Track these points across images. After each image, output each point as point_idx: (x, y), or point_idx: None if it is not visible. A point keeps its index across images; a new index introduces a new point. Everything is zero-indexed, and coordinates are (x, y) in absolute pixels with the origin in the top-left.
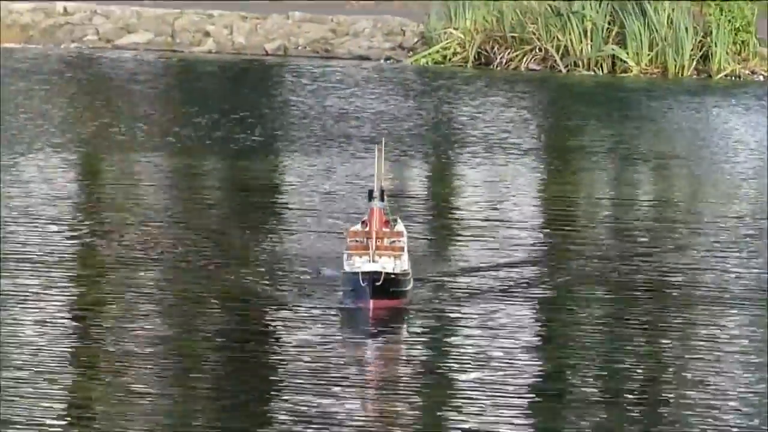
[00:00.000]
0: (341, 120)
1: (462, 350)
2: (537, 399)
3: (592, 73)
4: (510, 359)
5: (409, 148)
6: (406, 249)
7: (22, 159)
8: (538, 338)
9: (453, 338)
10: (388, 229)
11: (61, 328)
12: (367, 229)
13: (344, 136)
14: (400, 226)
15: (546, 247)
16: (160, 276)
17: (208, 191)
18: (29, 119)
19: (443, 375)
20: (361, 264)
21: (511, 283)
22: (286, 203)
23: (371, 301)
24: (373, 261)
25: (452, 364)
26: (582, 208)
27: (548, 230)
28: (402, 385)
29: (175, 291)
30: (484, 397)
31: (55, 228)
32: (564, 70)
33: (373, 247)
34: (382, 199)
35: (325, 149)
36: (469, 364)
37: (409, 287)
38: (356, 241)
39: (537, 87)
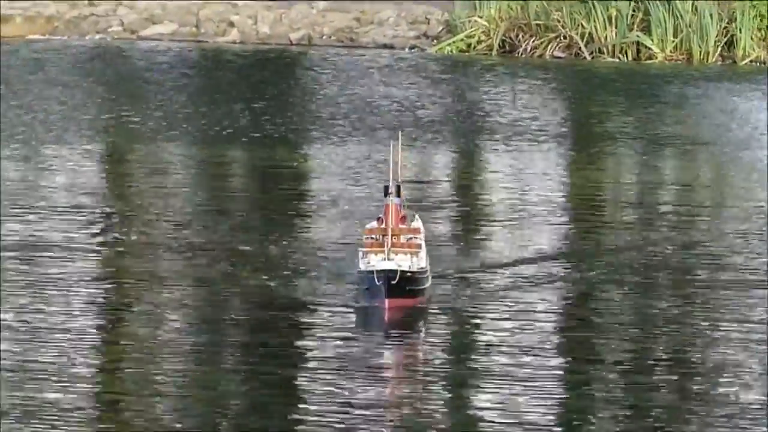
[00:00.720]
0: (366, 109)
1: (482, 355)
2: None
3: (617, 60)
4: (534, 374)
5: (434, 136)
6: (423, 246)
7: (47, 149)
8: (566, 332)
9: (470, 340)
10: (404, 226)
11: (86, 318)
12: (383, 226)
13: (369, 124)
14: (417, 223)
15: (572, 234)
16: (184, 265)
17: (232, 180)
18: (55, 110)
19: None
20: (376, 262)
21: (538, 275)
22: (310, 191)
23: (387, 300)
24: (389, 259)
25: (469, 371)
26: (607, 194)
27: (574, 217)
28: (421, 387)
29: (196, 280)
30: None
31: (79, 217)
32: (588, 58)
33: (389, 245)
34: (398, 195)
35: (350, 138)
36: (489, 373)
37: (427, 285)
38: (372, 238)
39: (562, 74)
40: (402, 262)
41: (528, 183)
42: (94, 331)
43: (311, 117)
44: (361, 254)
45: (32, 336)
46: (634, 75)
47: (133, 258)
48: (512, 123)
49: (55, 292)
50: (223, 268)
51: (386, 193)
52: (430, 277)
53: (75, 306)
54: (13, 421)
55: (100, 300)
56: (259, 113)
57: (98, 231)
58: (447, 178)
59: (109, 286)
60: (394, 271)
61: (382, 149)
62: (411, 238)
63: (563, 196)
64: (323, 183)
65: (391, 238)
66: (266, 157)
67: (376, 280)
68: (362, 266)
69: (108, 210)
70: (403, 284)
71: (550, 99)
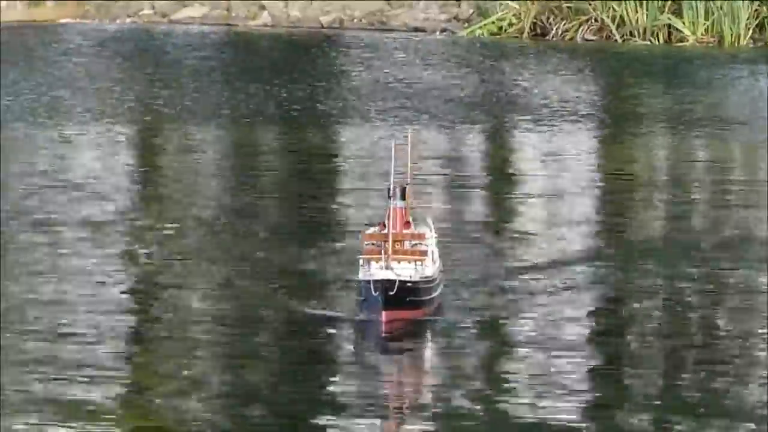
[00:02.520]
0: (396, 91)
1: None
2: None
3: (648, 42)
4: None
5: (465, 118)
6: (433, 252)
7: (79, 132)
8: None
9: (469, 364)
10: (408, 231)
11: (119, 301)
12: (385, 231)
13: (399, 106)
14: (424, 227)
15: (607, 216)
16: (215, 246)
17: (262, 160)
18: (87, 93)
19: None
20: (375, 271)
21: (570, 277)
22: (341, 172)
23: (383, 313)
24: (388, 267)
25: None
26: (640, 174)
27: (608, 198)
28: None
29: (223, 264)
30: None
31: (112, 198)
32: (620, 40)
33: (389, 252)
34: (402, 198)
35: (379, 120)
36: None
37: (435, 295)
38: (372, 244)
39: (593, 57)
40: (403, 270)
41: (560, 165)
42: (123, 315)
43: (341, 98)
44: (361, 262)
45: (60, 310)
46: (665, 58)
47: (163, 236)
48: (544, 105)
49: (82, 268)
50: (252, 250)
51: (389, 196)
52: (440, 286)
53: (106, 284)
54: (41, 412)
55: (131, 282)
56: (289, 96)
57: (127, 210)
58: (479, 159)
59: (136, 267)
60: (392, 281)
61: (414, 129)
62: (416, 244)
63: (595, 174)
64: (352, 162)
65: (393, 245)
66: (298, 138)
67: (372, 290)
68: (361, 275)
69: (139, 189)
70: (402, 295)
71: (581, 81)
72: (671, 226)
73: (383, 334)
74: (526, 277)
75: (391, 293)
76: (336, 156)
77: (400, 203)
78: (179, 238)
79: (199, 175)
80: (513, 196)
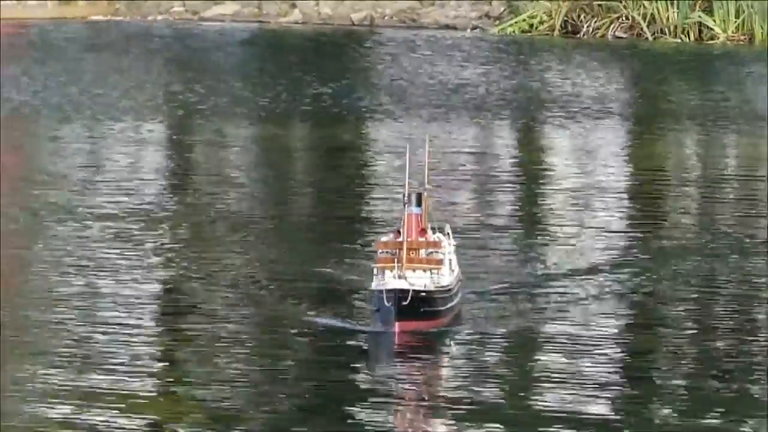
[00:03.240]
0: (426, 88)
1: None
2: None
3: (679, 40)
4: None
5: (495, 116)
6: (451, 260)
7: (111, 128)
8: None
9: (484, 379)
10: (424, 239)
11: (147, 298)
12: (400, 239)
13: (430, 103)
14: (440, 235)
15: (639, 215)
16: (238, 245)
17: (292, 157)
18: (118, 89)
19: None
20: (387, 280)
21: (602, 284)
22: (368, 168)
23: (396, 324)
24: (402, 276)
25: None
26: (671, 171)
27: (640, 197)
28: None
29: (245, 270)
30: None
31: (140, 193)
32: (650, 38)
33: (403, 260)
34: (419, 205)
35: (411, 116)
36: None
37: (452, 305)
38: (387, 252)
39: (623, 55)
40: (418, 279)
41: (591, 161)
42: (153, 311)
43: (372, 96)
44: (374, 270)
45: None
46: (696, 55)
47: (193, 233)
48: (574, 102)
49: (109, 262)
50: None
51: (405, 202)
52: (458, 295)
53: (139, 277)
54: (74, 406)
55: (160, 279)
56: (319, 93)
57: (160, 204)
58: (510, 157)
59: (164, 264)
60: (405, 291)
61: (446, 124)
62: (431, 253)
63: (626, 172)
64: (380, 159)
65: (408, 253)
66: (325, 135)
67: (385, 300)
68: (374, 284)
69: (171, 183)
70: (416, 305)
71: (612, 79)
72: (704, 223)
73: (396, 346)
74: (554, 283)
75: (405, 303)
76: (365, 152)
77: (416, 210)
78: (204, 235)
79: (229, 172)
80: (543, 193)
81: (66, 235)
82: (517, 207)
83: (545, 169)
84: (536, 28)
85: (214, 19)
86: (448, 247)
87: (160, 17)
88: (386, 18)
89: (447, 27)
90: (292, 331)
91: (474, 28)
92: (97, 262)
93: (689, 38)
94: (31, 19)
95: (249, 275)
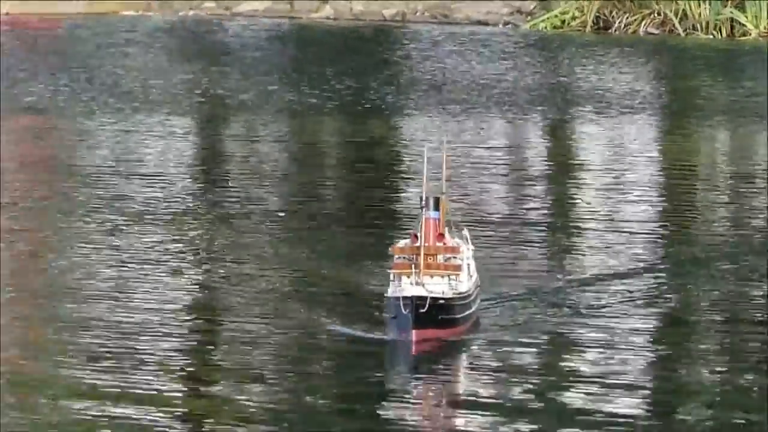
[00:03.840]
0: (458, 83)
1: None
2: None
3: (711, 36)
4: None
5: (526, 111)
6: (470, 266)
7: (142, 123)
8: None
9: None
10: (441, 244)
11: (177, 284)
12: (417, 244)
13: (461, 99)
14: (461, 240)
15: (671, 212)
16: (261, 242)
17: (323, 151)
18: (150, 85)
19: None
20: (405, 286)
21: (631, 290)
22: (398, 163)
23: (413, 332)
24: (419, 283)
25: None
26: (701, 168)
27: (671, 192)
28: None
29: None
30: None
31: (170, 187)
32: (682, 34)
33: (420, 266)
34: (436, 208)
35: (442, 112)
36: None
37: (470, 312)
38: (403, 258)
39: (655, 50)
40: (435, 286)
41: (622, 156)
42: (182, 296)
43: (404, 91)
44: (391, 276)
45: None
46: (728, 52)
47: (211, 228)
48: (606, 97)
49: (138, 255)
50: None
51: (423, 206)
52: (476, 302)
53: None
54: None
55: (192, 268)
56: (350, 88)
57: (191, 197)
58: (542, 152)
59: (193, 254)
60: (423, 298)
61: (477, 116)
62: (449, 258)
63: (657, 168)
64: (409, 153)
65: (425, 258)
66: (356, 130)
67: (402, 308)
68: (390, 291)
69: (198, 177)
70: (434, 313)
71: (643, 74)
72: (736, 220)
73: (413, 355)
74: (578, 289)
75: (422, 311)
76: (393, 147)
77: (433, 214)
78: (231, 230)
79: (260, 165)
80: (573, 189)
81: (93, 229)
82: (548, 202)
83: (576, 164)
84: (568, 24)
85: (245, 14)
86: (466, 252)
87: (191, 12)
88: (418, 14)
89: (479, 23)
90: (310, 340)
91: (506, 24)
92: (124, 256)
93: (721, 35)
94: (63, 15)
95: (269, 278)
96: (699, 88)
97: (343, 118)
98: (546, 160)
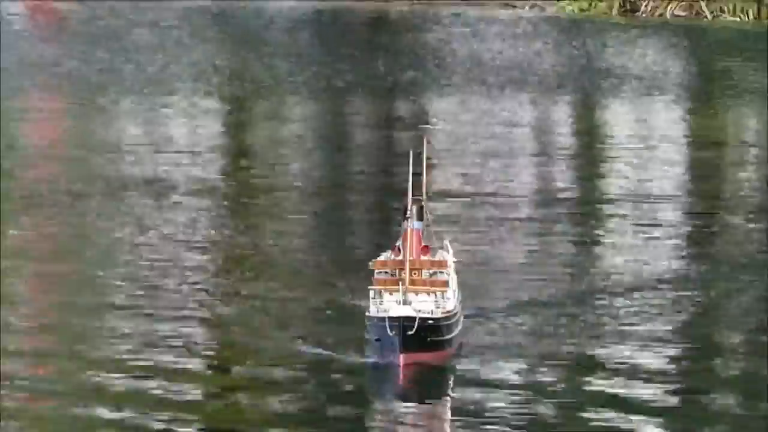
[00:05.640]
0: (484, 64)
1: None
2: None
3: (738, 19)
4: None
5: (554, 92)
6: (453, 280)
7: (168, 105)
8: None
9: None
10: (427, 258)
11: (200, 265)
12: (400, 257)
13: (488, 79)
14: (443, 253)
15: (698, 196)
16: (279, 227)
17: (351, 130)
18: (180, 67)
19: None
20: (389, 305)
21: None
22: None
23: (401, 356)
24: (405, 302)
25: None
26: (729, 150)
27: (698, 176)
28: None
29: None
30: None
31: (202, 165)
32: (709, 17)
33: (405, 282)
34: (420, 218)
35: (469, 92)
36: None
37: (456, 332)
38: (385, 273)
39: (683, 33)
40: (422, 304)
41: (649, 137)
42: (201, 280)
43: (430, 71)
44: (372, 294)
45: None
46: (755, 33)
47: (249, 198)
48: (633, 78)
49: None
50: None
51: (405, 216)
52: (461, 321)
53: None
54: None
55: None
56: (377, 68)
57: (220, 174)
58: (569, 133)
59: (221, 230)
60: (412, 319)
61: (503, 98)
62: (435, 273)
63: (685, 150)
64: (438, 131)
65: (410, 274)
66: (388, 108)
67: (388, 329)
68: (372, 310)
69: (228, 157)
70: (422, 335)
71: (671, 56)
72: (760, 202)
73: (401, 381)
74: (599, 296)
75: (410, 333)
76: (422, 125)
77: (417, 224)
78: (256, 211)
79: (289, 146)
80: (601, 167)
81: (120, 208)
82: (574, 185)
83: (601, 145)
84: (595, 6)
85: None
86: (450, 265)
87: None
88: None
89: (506, 4)
90: (287, 364)
91: (533, 6)
92: (143, 237)
93: (748, 17)
94: None
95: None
96: (726, 70)
97: (367, 98)
98: (569, 139)
